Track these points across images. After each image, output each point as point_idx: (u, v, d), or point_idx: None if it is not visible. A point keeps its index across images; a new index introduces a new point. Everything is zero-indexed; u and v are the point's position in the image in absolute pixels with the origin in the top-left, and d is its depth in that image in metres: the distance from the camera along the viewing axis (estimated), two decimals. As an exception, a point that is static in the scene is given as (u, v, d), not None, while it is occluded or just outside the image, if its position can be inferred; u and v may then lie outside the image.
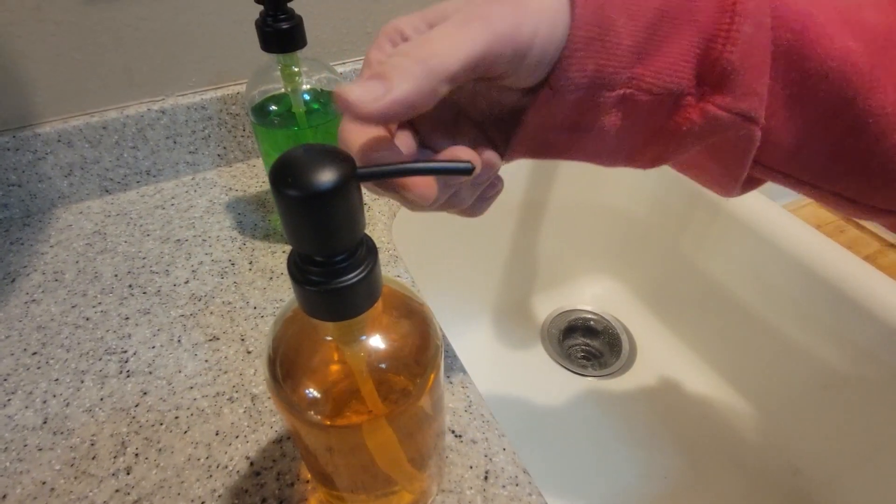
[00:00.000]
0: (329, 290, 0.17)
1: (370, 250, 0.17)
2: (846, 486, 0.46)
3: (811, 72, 0.18)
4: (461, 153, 0.18)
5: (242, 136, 0.50)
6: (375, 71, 0.16)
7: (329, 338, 0.19)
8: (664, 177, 0.57)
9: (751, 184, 0.22)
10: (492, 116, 0.21)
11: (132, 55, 0.43)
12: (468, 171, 0.16)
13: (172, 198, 0.47)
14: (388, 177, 0.16)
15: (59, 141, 0.43)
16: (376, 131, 0.17)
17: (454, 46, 0.16)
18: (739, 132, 0.19)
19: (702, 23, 0.18)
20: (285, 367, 0.20)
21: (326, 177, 0.14)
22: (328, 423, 0.20)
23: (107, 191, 0.47)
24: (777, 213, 0.49)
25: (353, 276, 0.17)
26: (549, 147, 0.20)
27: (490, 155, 0.20)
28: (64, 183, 0.45)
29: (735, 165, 0.21)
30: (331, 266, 0.16)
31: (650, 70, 0.18)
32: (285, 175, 0.14)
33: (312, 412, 0.20)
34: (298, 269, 0.17)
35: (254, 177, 0.50)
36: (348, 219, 0.15)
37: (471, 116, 0.21)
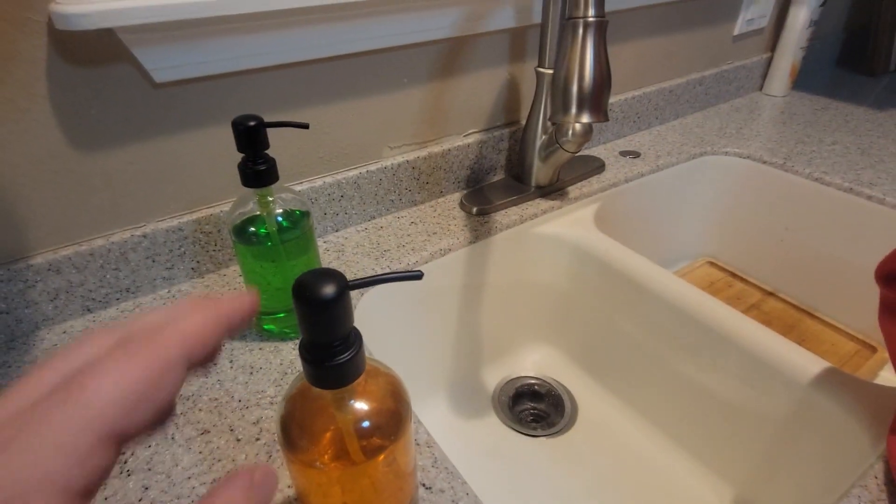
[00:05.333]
0: (330, 366, 0.24)
1: (357, 336, 0.25)
2: (761, 499, 0.55)
3: None
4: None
5: (215, 251, 0.57)
6: None
7: (327, 404, 0.26)
8: (576, 252, 0.68)
9: None
10: None
11: (119, 192, 0.50)
12: (419, 277, 0.25)
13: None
14: (368, 286, 0.24)
15: (49, 269, 0.49)
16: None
17: None
18: None
19: None
20: (294, 432, 0.27)
21: (329, 289, 0.22)
22: (331, 466, 0.26)
23: (88, 310, 0.52)
24: (670, 279, 0.61)
25: (346, 356, 0.24)
26: None
27: None
28: (49, 306, 0.50)
29: None
30: (331, 349, 0.24)
31: None
32: (303, 290, 0.22)
33: (318, 463, 0.26)
34: (308, 352, 0.24)
35: (225, 284, 0.56)
36: (344, 316, 0.23)
37: None
